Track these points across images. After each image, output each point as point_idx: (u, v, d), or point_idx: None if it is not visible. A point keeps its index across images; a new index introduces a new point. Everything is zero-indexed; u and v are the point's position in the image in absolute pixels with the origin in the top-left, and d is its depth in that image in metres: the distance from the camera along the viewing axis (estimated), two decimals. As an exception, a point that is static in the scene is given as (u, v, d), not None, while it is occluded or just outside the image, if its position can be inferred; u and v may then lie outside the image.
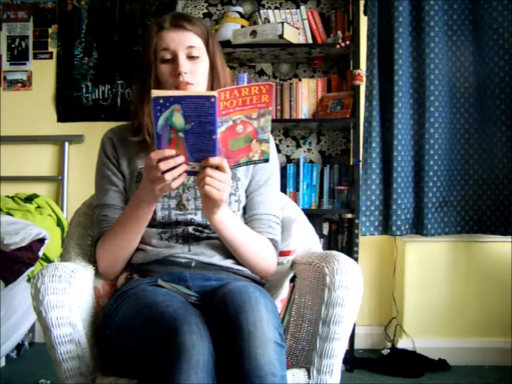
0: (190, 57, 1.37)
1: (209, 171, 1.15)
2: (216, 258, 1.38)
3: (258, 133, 1.16)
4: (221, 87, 1.39)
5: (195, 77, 1.37)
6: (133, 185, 1.41)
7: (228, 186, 1.20)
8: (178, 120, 1.10)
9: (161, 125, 1.11)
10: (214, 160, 1.15)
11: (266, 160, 1.20)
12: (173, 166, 1.14)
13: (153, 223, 1.38)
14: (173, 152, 1.13)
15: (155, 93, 1.10)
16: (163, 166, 1.14)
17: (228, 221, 1.32)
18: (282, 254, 1.52)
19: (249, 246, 1.37)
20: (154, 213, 1.36)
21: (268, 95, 1.13)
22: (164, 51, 1.37)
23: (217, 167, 1.16)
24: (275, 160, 1.52)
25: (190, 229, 1.39)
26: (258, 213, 1.44)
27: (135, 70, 1.45)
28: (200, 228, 1.40)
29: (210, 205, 1.24)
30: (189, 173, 1.18)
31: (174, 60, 1.37)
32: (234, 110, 1.12)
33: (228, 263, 1.39)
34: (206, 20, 3.06)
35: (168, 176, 1.15)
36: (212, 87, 1.42)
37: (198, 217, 1.40)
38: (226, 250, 1.40)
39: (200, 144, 1.13)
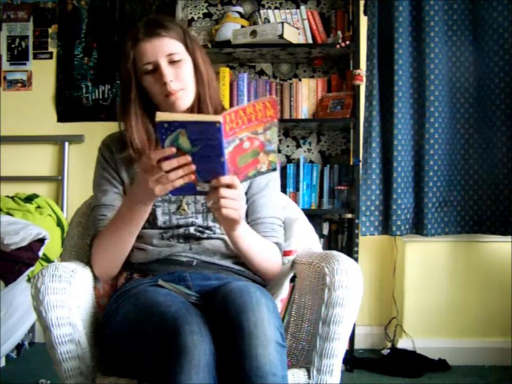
0: (172, 62, 1.35)
1: (222, 192, 1.13)
2: (217, 258, 1.39)
3: (265, 145, 1.14)
4: (205, 85, 1.38)
5: (182, 81, 1.35)
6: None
7: (242, 203, 1.21)
8: (184, 143, 1.08)
9: (168, 146, 1.09)
10: (224, 179, 1.12)
11: (274, 169, 1.18)
12: (177, 165, 1.11)
13: (154, 227, 1.38)
14: (173, 150, 1.09)
15: (160, 116, 1.06)
16: (166, 166, 1.10)
17: (245, 234, 1.32)
18: (283, 254, 1.52)
19: (262, 254, 1.38)
20: (156, 218, 1.37)
21: (273, 109, 1.11)
22: (145, 64, 1.34)
23: (228, 185, 1.14)
24: None
25: (191, 229, 1.39)
26: (261, 216, 1.44)
27: (121, 85, 1.42)
28: (201, 229, 1.40)
29: (230, 224, 1.25)
30: (199, 192, 1.15)
31: (157, 69, 1.34)
32: (241, 129, 1.10)
33: (229, 262, 1.39)
34: (206, 20, 3.06)
35: (172, 176, 1.11)
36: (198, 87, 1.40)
37: (199, 220, 1.40)
38: (227, 249, 1.40)
39: (209, 165, 1.10)
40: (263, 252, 1.38)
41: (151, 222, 1.38)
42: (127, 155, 1.39)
